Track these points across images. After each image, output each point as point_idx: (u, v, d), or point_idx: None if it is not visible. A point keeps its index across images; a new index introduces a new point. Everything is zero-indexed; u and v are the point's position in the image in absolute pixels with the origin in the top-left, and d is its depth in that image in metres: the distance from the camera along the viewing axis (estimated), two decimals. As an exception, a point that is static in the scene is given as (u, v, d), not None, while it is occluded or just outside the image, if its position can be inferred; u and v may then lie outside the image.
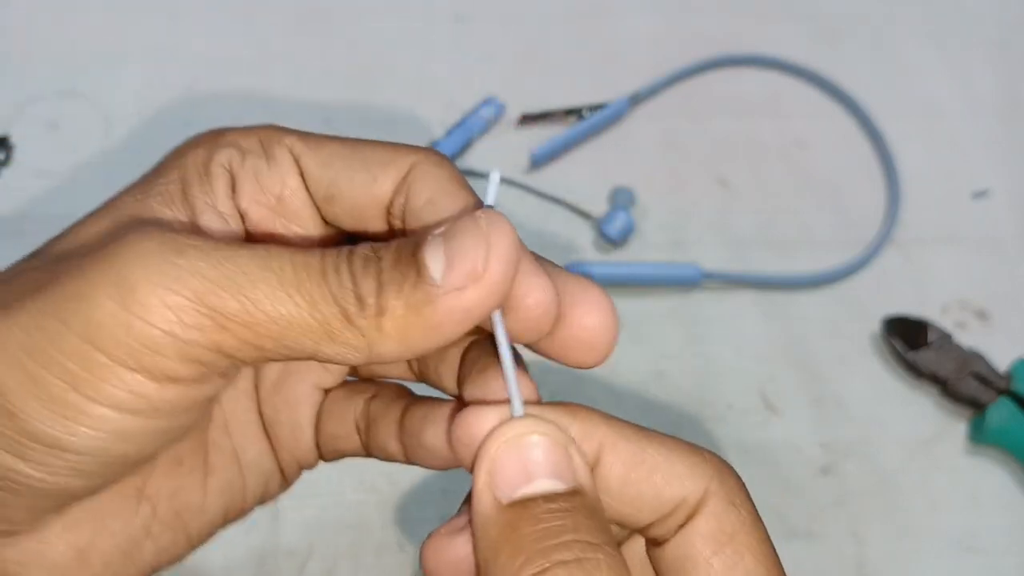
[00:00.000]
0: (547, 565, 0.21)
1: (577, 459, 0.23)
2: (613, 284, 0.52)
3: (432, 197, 0.25)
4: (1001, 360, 0.50)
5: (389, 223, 0.26)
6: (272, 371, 0.29)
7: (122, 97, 0.56)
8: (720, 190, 0.56)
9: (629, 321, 0.51)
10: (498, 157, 0.55)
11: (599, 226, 0.53)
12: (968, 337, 0.51)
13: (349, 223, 0.27)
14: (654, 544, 0.24)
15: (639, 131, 0.58)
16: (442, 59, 0.59)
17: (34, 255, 0.26)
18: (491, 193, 0.26)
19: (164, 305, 0.21)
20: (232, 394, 0.28)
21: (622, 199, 0.54)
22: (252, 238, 0.26)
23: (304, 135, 0.27)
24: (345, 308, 0.22)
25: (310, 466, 0.30)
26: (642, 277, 0.52)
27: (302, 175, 0.27)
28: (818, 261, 0.54)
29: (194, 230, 0.24)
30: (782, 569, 0.24)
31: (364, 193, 0.26)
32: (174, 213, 0.25)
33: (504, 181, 0.55)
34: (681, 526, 0.24)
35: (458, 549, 0.24)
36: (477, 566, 0.22)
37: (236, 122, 0.59)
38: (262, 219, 0.26)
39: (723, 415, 0.49)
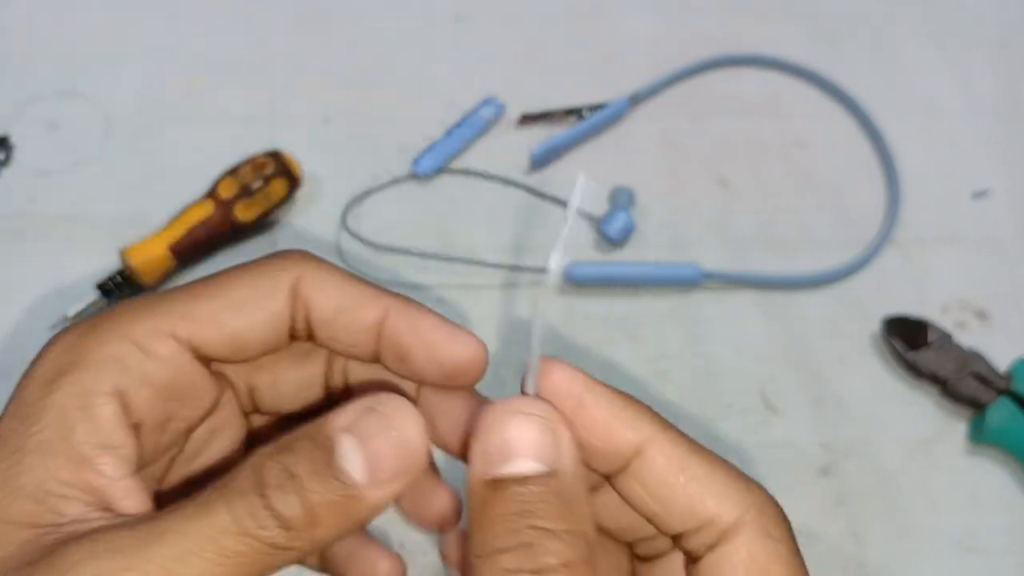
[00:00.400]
0: (500, 547, 0.22)
1: (564, 442, 0.24)
2: (613, 284, 0.52)
3: (339, 305, 0.26)
4: (1001, 360, 0.50)
5: (292, 335, 0.27)
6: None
7: (122, 97, 0.56)
8: (720, 190, 0.56)
9: (629, 321, 0.51)
10: (498, 157, 0.55)
11: (599, 226, 0.53)
12: (968, 337, 0.51)
13: (254, 357, 0.27)
14: (690, 560, 0.25)
15: (639, 131, 0.58)
16: (442, 59, 0.59)
17: None
18: (576, 198, 0.25)
19: None
20: None
21: (622, 199, 0.54)
22: (148, 461, 0.27)
23: (175, 307, 0.26)
24: (274, 543, 0.22)
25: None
26: (642, 277, 0.52)
27: (195, 351, 0.26)
28: (818, 261, 0.54)
29: (101, 510, 0.24)
30: None
31: (267, 331, 0.26)
32: (61, 473, 0.24)
33: (511, 183, 0.55)
34: (711, 547, 0.24)
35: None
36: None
37: (236, 120, 0.60)
38: (156, 416, 0.26)
39: (723, 415, 0.49)
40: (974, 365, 0.49)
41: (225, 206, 0.49)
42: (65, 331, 0.26)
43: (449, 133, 0.56)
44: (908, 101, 0.60)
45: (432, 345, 0.26)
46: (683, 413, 0.49)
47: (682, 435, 0.25)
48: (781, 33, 0.62)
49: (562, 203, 0.54)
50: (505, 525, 0.22)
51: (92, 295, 0.48)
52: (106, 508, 0.24)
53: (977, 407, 0.49)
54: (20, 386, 0.25)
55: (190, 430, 0.29)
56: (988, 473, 0.48)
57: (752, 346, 0.51)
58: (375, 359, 0.28)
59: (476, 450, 0.24)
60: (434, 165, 0.54)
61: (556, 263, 0.25)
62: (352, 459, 0.23)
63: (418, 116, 0.57)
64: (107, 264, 0.49)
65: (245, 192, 0.50)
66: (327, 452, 0.23)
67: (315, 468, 0.23)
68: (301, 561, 0.24)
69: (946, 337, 0.50)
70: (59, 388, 0.24)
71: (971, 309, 0.53)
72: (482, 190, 0.55)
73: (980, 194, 0.57)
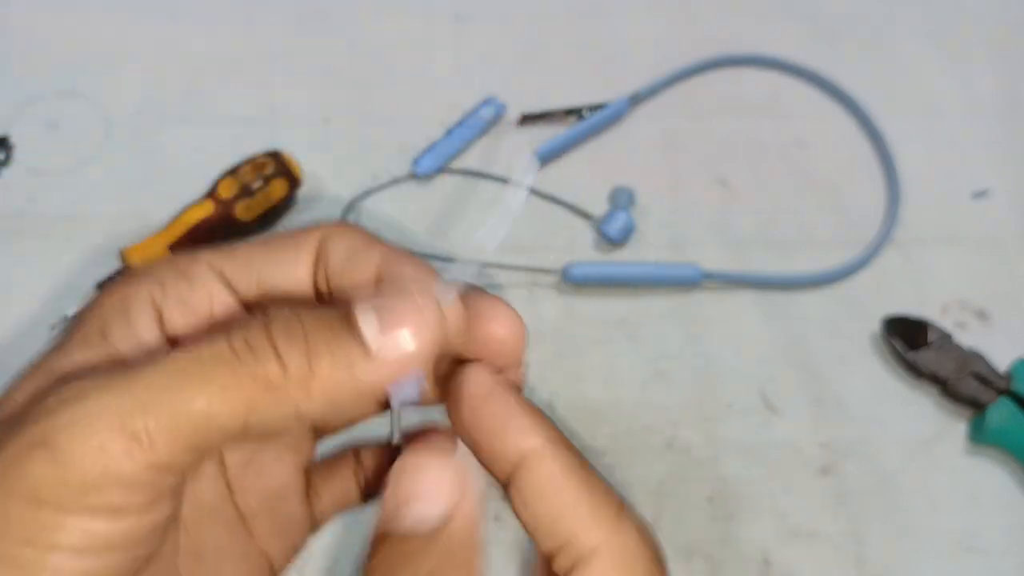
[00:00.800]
0: None
1: (467, 487, 0.25)
2: (613, 284, 0.52)
3: (347, 256, 0.26)
4: (1001, 360, 0.50)
5: (319, 298, 0.27)
6: (240, 466, 0.29)
7: (122, 97, 0.56)
8: (720, 190, 0.56)
9: (629, 321, 0.51)
10: (498, 157, 0.55)
11: (599, 226, 0.53)
12: (968, 337, 0.51)
13: (281, 299, 0.28)
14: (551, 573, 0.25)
15: (639, 131, 0.58)
16: (442, 59, 0.59)
17: None
18: (524, 178, 0.26)
19: (89, 446, 0.21)
20: (198, 505, 0.28)
21: (622, 199, 0.54)
22: None
23: (216, 249, 0.27)
24: (266, 378, 0.22)
25: (300, 544, 0.30)
26: (642, 277, 0.52)
27: (228, 285, 0.27)
28: (818, 261, 0.54)
29: (112, 365, 0.24)
30: None
31: (289, 277, 0.27)
32: (95, 355, 0.25)
33: (503, 180, 0.55)
34: (568, 572, 0.23)
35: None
36: None
37: (236, 120, 0.60)
38: (190, 333, 0.26)
39: (723, 415, 0.49)
40: (974, 365, 0.49)
41: (225, 206, 0.49)
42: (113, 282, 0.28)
43: (449, 133, 0.56)
44: (908, 101, 0.60)
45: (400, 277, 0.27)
46: (683, 413, 0.49)
47: (572, 451, 0.25)
48: (781, 33, 0.62)
49: (562, 203, 0.54)
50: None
51: (92, 295, 0.48)
52: None
53: (977, 407, 0.49)
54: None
55: None
56: (988, 473, 0.48)
57: (752, 346, 0.51)
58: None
59: (382, 504, 0.25)
60: (434, 165, 0.54)
61: (489, 237, 0.26)
62: (367, 321, 0.22)
63: (418, 116, 0.57)
64: (107, 264, 0.49)
65: (245, 192, 0.50)
66: (342, 315, 0.23)
67: (326, 323, 0.23)
68: (293, 425, 0.23)
69: (946, 337, 0.50)
70: (105, 297, 0.26)
71: (971, 309, 0.53)
72: (482, 190, 0.55)
73: (980, 194, 0.57)
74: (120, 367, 0.22)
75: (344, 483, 0.30)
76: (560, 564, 0.23)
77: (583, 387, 0.49)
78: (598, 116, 0.57)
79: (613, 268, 0.52)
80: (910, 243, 0.55)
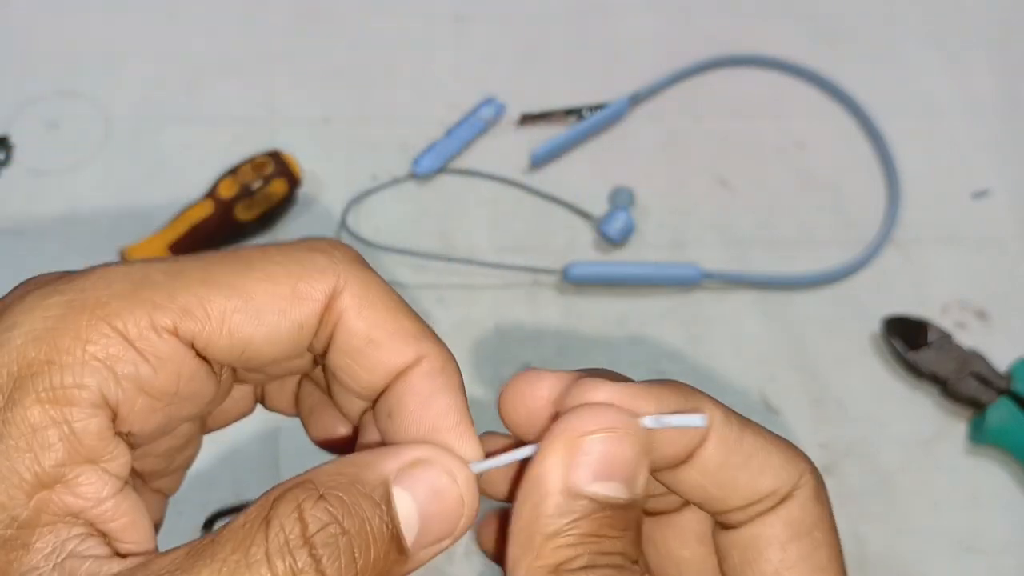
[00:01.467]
0: (587, 564, 0.21)
1: (644, 469, 0.22)
2: (613, 284, 0.52)
3: (373, 338, 0.23)
4: (1001, 360, 0.50)
5: (310, 348, 0.23)
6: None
7: (122, 97, 0.56)
8: (720, 190, 0.56)
9: (629, 321, 0.51)
10: (498, 157, 0.55)
11: (599, 226, 0.53)
12: (968, 337, 0.51)
13: (261, 368, 0.24)
14: (725, 527, 0.24)
15: (639, 131, 0.58)
16: (442, 59, 0.59)
17: None
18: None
19: None
20: None
21: (622, 199, 0.54)
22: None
23: (177, 296, 0.21)
24: None
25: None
26: (642, 277, 0.52)
27: (199, 354, 0.22)
28: (818, 261, 0.54)
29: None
30: (843, 568, 0.25)
31: (286, 345, 0.22)
32: (33, 502, 0.20)
33: (511, 183, 0.55)
34: (763, 513, 0.24)
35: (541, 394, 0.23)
36: (515, 522, 0.22)
37: (236, 120, 0.60)
38: (150, 422, 0.22)
39: (723, 415, 0.49)
40: (974, 365, 0.49)
41: (225, 206, 0.49)
42: (28, 299, 0.21)
43: (449, 133, 0.56)
44: (908, 101, 0.60)
45: (430, 431, 0.23)
46: (683, 413, 0.49)
47: (732, 413, 0.24)
48: (781, 33, 0.62)
49: (562, 203, 0.54)
50: (596, 546, 0.21)
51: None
52: (94, 531, 0.21)
53: (977, 407, 0.49)
54: None
55: (188, 420, 0.25)
56: (988, 473, 0.48)
57: (752, 346, 0.51)
58: (371, 401, 0.24)
59: (563, 455, 0.21)
60: (434, 165, 0.54)
61: None
62: (409, 516, 0.21)
63: (418, 116, 0.57)
64: (107, 264, 0.49)
65: (245, 192, 0.50)
66: (384, 506, 0.21)
67: (369, 528, 0.20)
68: None
69: (946, 337, 0.50)
70: (28, 396, 0.20)
71: (971, 309, 0.53)
72: (482, 190, 0.55)
73: (980, 194, 0.57)
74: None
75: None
76: (752, 511, 0.24)
77: (583, 387, 0.49)
78: (598, 116, 0.57)
79: (613, 268, 0.52)
80: (910, 243, 0.55)
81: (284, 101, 0.57)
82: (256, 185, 0.50)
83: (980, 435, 0.48)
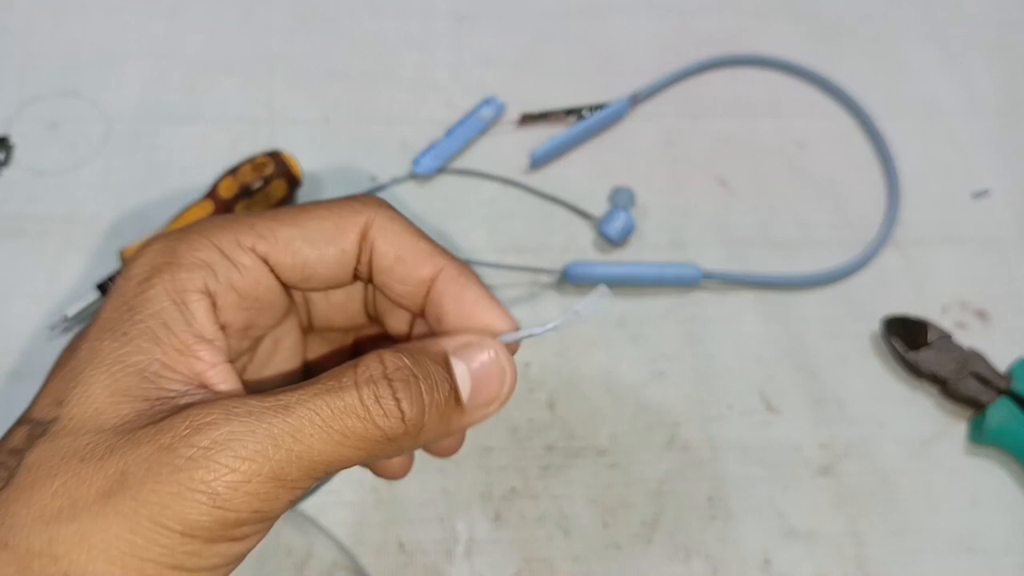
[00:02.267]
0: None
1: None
2: (613, 284, 0.52)
3: (399, 256, 0.29)
4: (1001, 360, 0.50)
5: (356, 275, 0.30)
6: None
7: (122, 97, 0.56)
8: (720, 190, 0.56)
9: (629, 321, 0.51)
10: (498, 157, 0.55)
11: (599, 226, 0.53)
12: (968, 337, 0.51)
13: (318, 288, 0.30)
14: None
15: (639, 131, 0.58)
16: (442, 59, 0.59)
17: (28, 421, 0.26)
18: (591, 305, 0.29)
19: (246, 493, 0.23)
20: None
21: (622, 199, 0.54)
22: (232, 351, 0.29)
23: (255, 226, 0.28)
24: (391, 433, 0.25)
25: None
26: (642, 277, 0.52)
27: (272, 271, 0.29)
28: (818, 261, 0.54)
29: (239, 397, 0.26)
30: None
31: (335, 266, 0.29)
32: (167, 356, 0.26)
33: (510, 183, 0.55)
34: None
35: None
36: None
37: (236, 120, 0.60)
38: (239, 320, 0.29)
39: (723, 415, 0.49)
40: (974, 365, 0.49)
41: (225, 206, 0.49)
42: (155, 238, 0.28)
43: (449, 133, 0.56)
44: (908, 101, 0.60)
45: (470, 317, 0.29)
46: (683, 413, 0.49)
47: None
48: (781, 33, 0.62)
49: (562, 203, 0.54)
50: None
51: (92, 295, 0.48)
52: (207, 390, 0.26)
53: (977, 407, 0.49)
54: (117, 285, 0.27)
55: (261, 338, 0.31)
56: (988, 473, 0.48)
57: (752, 346, 0.51)
58: (420, 312, 0.30)
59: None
60: (434, 165, 0.54)
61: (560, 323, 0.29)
62: (464, 378, 0.27)
63: (418, 116, 0.57)
64: (107, 264, 0.49)
65: (245, 192, 0.50)
66: (444, 367, 0.27)
67: (434, 377, 0.26)
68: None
69: (946, 337, 0.50)
70: (157, 284, 0.26)
71: (971, 309, 0.53)
72: (482, 190, 0.55)
73: (980, 194, 0.57)
74: (255, 403, 0.24)
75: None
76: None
77: (583, 387, 0.49)
78: (598, 116, 0.57)
79: (613, 268, 0.52)
80: (910, 243, 0.55)
81: (284, 101, 0.57)
82: (256, 185, 0.50)
83: (980, 435, 0.48)
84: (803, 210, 0.56)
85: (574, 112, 0.57)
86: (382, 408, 0.25)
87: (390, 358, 0.26)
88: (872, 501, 0.47)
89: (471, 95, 0.57)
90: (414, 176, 0.54)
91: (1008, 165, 0.58)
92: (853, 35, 0.63)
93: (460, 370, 0.27)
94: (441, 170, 0.55)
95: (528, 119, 0.57)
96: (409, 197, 0.54)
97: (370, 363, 0.25)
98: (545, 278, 0.52)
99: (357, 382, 0.25)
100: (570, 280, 0.51)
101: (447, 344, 0.28)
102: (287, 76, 0.58)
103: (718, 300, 0.52)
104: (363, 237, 0.29)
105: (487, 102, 0.57)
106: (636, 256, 0.53)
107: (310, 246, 0.28)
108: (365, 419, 0.25)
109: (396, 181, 0.54)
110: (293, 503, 0.25)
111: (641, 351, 0.50)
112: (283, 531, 0.44)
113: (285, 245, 0.28)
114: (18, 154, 0.53)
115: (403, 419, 0.25)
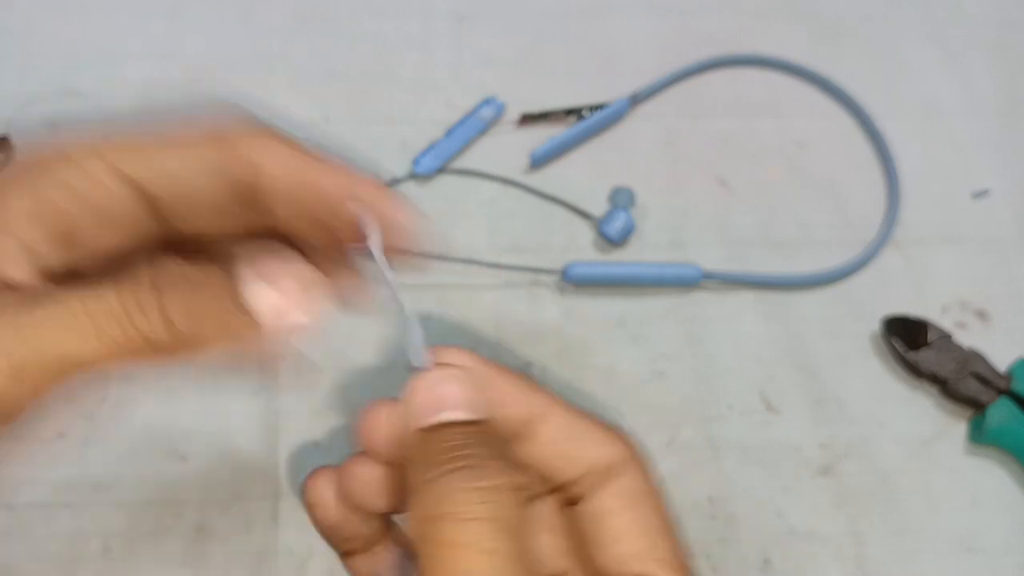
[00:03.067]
0: (447, 469, 0.24)
1: (483, 397, 0.27)
2: (613, 284, 0.52)
3: (288, 189, 0.27)
4: (1001, 360, 0.50)
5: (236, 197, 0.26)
6: None
7: (122, 97, 0.56)
8: (720, 190, 0.56)
9: (629, 321, 0.51)
10: (498, 157, 0.55)
11: (599, 226, 0.53)
12: (968, 337, 0.51)
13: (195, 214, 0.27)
14: (570, 503, 0.29)
15: (639, 131, 0.58)
16: (442, 59, 0.59)
17: None
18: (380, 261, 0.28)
19: None
20: None
21: (622, 199, 0.54)
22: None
23: (103, 138, 0.26)
24: (153, 338, 0.23)
25: None
26: (642, 277, 0.52)
27: (127, 180, 0.26)
28: (818, 261, 0.54)
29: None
30: (674, 527, 0.29)
31: (195, 179, 0.26)
32: None
33: (511, 183, 0.55)
34: (597, 486, 0.28)
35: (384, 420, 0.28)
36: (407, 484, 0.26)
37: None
38: (72, 232, 0.25)
39: (723, 415, 0.49)
40: (974, 365, 0.49)
41: (225, 206, 0.49)
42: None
43: (449, 133, 0.56)
44: (908, 101, 0.60)
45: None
46: (683, 413, 0.49)
47: (566, 404, 0.30)
48: (781, 33, 0.62)
49: (562, 203, 0.54)
50: (449, 453, 0.24)
51: None
52: None
53: (977, 407, 0.49)
54: None
55: (108, 253, 0.27)
56: (988, 473, 0.48)
57: (752, 346, 0.51)
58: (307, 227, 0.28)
59: (410, 408, 0.26)
60: (434, 165, 0.54)
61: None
62: (252, 288, 0.25)
63: (418, 116, 0.57)
64: (107, 264, 0.49)
65: (245, 192, 0.49)
66: (229, 277, 0.25)
67: (215, 284, 0.24)
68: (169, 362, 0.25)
69: (946, 337, 0.50)
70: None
71: (971, 309, 0.53)
72: (482, 190, 0.55)
73: (980, 194, 0.57)
74: (7, 296, 0.23)
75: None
76: (585, 483, 0.29)
77: (583, 387, 0.49)
78: (598, 116, 0.57)
79: (613, 268, 0.52)
80: (910, 243, 0.55)
81: (284, 101, 0.57)
82: (256, 185, 0.50)
83: (980, 435, 0.48)
84: (803, 210, 0.56)
85: (574, 112, 0.57)
86: (142, 311, 0.23)
87: (169, 265, 0.24)
88: (872, 501, 0.47)
89: (471, 95, 0.57)
90: (414, 176, 0.54)
91: (1008, 165, 0.58)
92: (853, 35, 0.63)
93: (249, 277, 0.25)
94: (441, 170, 0.55)
95: (528, 119, 0.57)
96: (409, 197, 0.54)
97: (139, 269, 0.24)
98: (545, 278, 0.52)
99: (119, 284, 0.23)
100: (570, 280, 0.51)
101: (240, 255, 0.25)
102: (287, 76, 0.58)
103: (718, 300, 0.52)
104: (237, 160, 0.27)
105: (487, 102, 0.57)
106: (636, 256, 0.53)
107: (165, 156, 0.26)
108: (121, 319, 0.23)
109: (396, 181, 0.54)
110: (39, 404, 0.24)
111: (641, 351, 0.50)
112: (283, 531, 0.44)
113: (138, 154, 0.26)
114: (18, 154, 0.53)
115: (166, 323, 0.23)
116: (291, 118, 0.57)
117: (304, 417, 0.47)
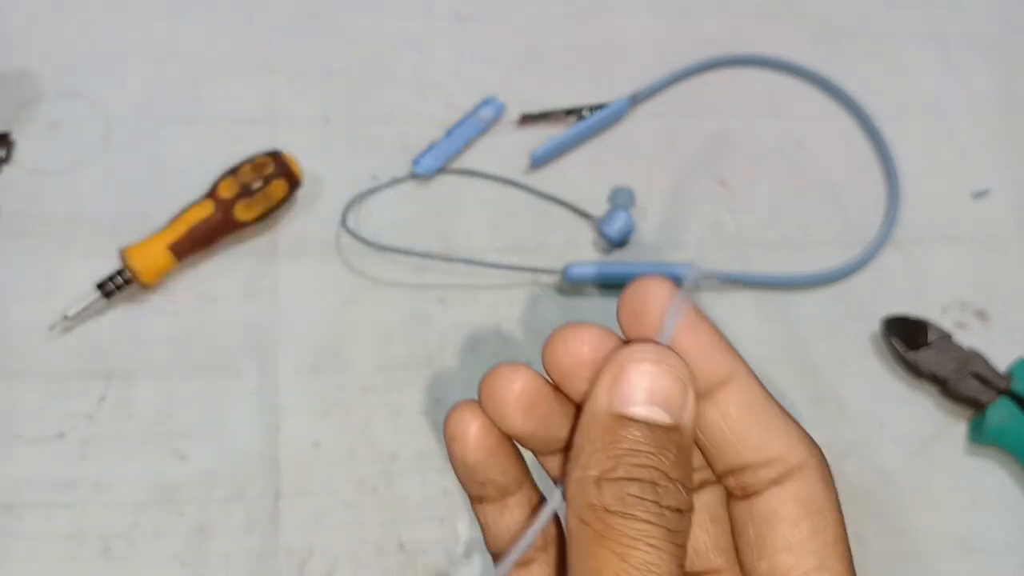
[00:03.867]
0: (624, 475, 0.23)
1: (690, 400, 0.25)
2: (613, 284, 0.52)
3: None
4: (1001, 360, 0.50)
5: None
6: None
7: (122, 97, 0.56)
8: (720, 190, 0.56)
9: (629, 321, 0.51)
10: (498, 157, 0.55)
11: (599, 226, 0.53)
12: (968, 337, 0.51)
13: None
14: (738, 496, 0.26)
15: (639, 131, 0.58)
16: (442, 59, 0.59)
17: None
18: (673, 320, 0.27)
19: None
20: None
21: (622, 199, 0.54)
22: None
23: None
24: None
25: None
26: (642, 277, 0.52)
27: None
28: (818, 261, 0.54)
29: None
30: (849, 551, 0.27)
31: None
32: None
33: (511, 183, 0.55)
34: (774, 483, 0.25)
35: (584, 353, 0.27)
36: (572, 450, 0.24)
37: (236, 120, 0.59)
38: None
39: (723, 415, 0.49)
40: (974, 365, 0.49)
41: (225, 206, 0.49)
42: None
43: (449, 133, 0.56)
44: (908, 101, 0.60)
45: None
46: (683, 413, 0.49)
47: (760, 381, 0.27)
48: (781, 33, 0.62)
49: (562, 203, 0.54)
50: (633, 459, 0.23)
51: (92, 295, 0.48)
52: None
53: (977, 407, 0.49)
54: None
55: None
56: (988, 473, 0.48)
57: (752, 346, 0.51)
58: None
59: (610, 383, 0.25)
60: (434, 165, 0.54)
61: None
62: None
63: (418, 116, 0.57)
64: (107, 264, 0.49)
65: (245, 192, 0.50)
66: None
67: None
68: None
69: (946, 337, 0.50)
70: None
71: (971, 309, 0.53)
72: (482, 190, 0.55)
73: (980, 194, 0.57)
74: None
75: None
76: (762, 476, 0.26)
77: (583, 387, 0.49)
78: (598, 116, 0.57)
79: (613, 268, 0.52)
80: (910, 243, 0.55)
81: (284, 101, 0.57)
82: (256, 185, 0.50)
83: (980, 435, 0.48)
84: (803, 210, 0.56)
85: (574, 112, 0.57)
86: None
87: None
88: (872, 501, 0.47)
89: (471, 95, 0.57)
90: (414, 176, 0.54)
91: (1008, 165, 0.58)
92: (853, 35, 0.63)
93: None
94: (441, 170, 0.55)
95: (528, 119, 0.57)
96: (409, 197, 0.54)
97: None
98: (545, 278, 0.52)
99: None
100: (570, 280, 0.51)
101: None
102: (287, 76, 0.58)
103: (718, 300, 0.52)
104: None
105: (487, 102, 0.57)
106: (636, 256, 0.53)
107: None
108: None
109: (396, 181, 0.54)
110: None
111: (641, 351, 0.50)
112: (283, 531, 0.44)
113: None
114: (19, 154, 0.53)
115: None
116: (291, 118, 0.57)
117: (304, 417, 0.47)
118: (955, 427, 0.49)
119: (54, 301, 0.48)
